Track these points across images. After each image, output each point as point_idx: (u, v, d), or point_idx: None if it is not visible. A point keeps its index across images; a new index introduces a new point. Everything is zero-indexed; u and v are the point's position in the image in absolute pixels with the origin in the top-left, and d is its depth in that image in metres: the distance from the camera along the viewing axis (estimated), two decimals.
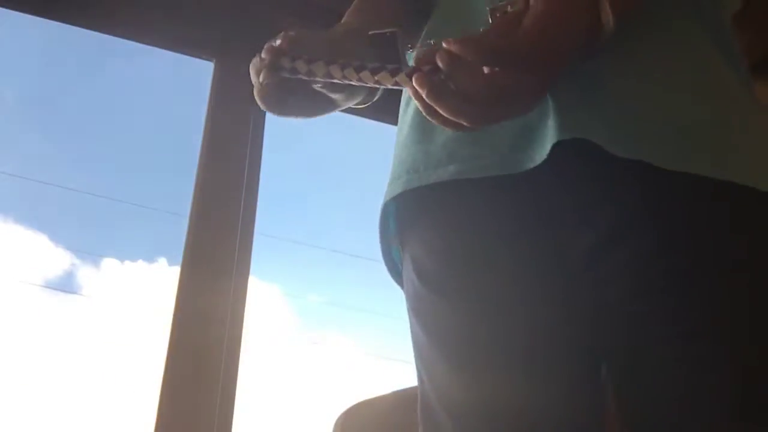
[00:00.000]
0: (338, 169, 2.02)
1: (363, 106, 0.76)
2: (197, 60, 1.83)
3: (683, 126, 0.59)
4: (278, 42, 0.71)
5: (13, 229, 1.64)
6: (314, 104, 0.73)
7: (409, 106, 0.76)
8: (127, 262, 1.74)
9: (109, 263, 1.74)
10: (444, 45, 0.55)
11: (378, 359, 1.87)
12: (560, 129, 0.59)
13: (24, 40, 1.85)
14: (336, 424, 1.13)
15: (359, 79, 0.61)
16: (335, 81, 0.63)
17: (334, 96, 0.70)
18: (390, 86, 0.60)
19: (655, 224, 0.59)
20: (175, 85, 2.01)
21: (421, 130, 0.70)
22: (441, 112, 0.55)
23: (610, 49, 0.60)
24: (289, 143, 1.99)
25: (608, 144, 0.57)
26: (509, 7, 0.60)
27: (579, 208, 0.62)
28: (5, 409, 1.46)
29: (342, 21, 0.84)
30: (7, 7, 1.68)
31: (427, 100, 0.55)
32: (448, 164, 0.65)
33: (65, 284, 1.74)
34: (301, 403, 1.71)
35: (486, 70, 0.54)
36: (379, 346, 1.85)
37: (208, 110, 1.74)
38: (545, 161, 0.59)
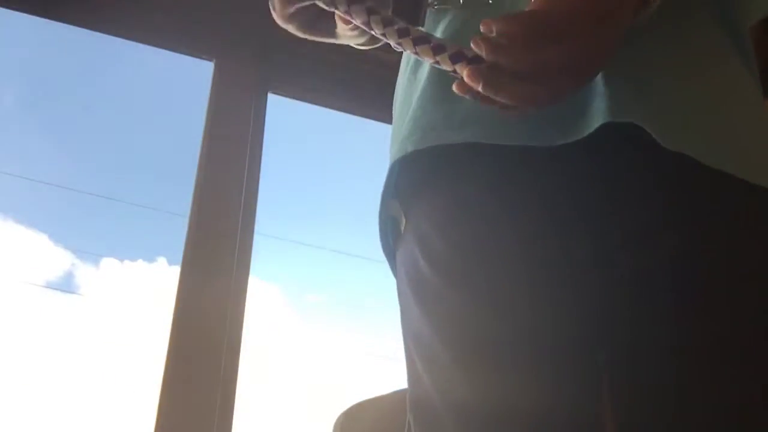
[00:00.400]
0: (338, 169, 2.02)
1: (364, 47, 0.74)
2: (197, 60, 1.83)
3: (729, 128, 0.59)
4: None
5: (13, 229, 1.64)
6: (327, 29, 0.70)
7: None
8: (126, 262, 1.74)
9: (108, 263, 1.74)
10: (482, 28, 0.51)
11: (378, 359, 1.87)
12: (610, 111, 0.56)
13: (24, 40, 1.85)
14: (336, 424, 1.13)
15: (398, 41, 0.56)
16: (366, 29, 0.58)
17: (348, 33, 0.69)
18: (425, 58, 0.55)
19: (687, 226, 0.57)
20: (175, 85, 2.01)
21: (443, 87, 0.65)
22: (503, 101, 0.52)
23: (655, 45, 0.59)
24: (289, 143, 1.99)
25: (659, 133, 0.55)
26: None
27: (609, 200, 0.60)
28: (5, 409, 1.47)
29: None
30: (7, 7, 1.68)
31: (484, 93, 0.51)
32: (473, 125, 0.61)
33: (65, 284, 1.74)
34: (301, 403, 1.72)
35: (539, 45, 0.50)
36: (380, 346, 1.85)
37: (208, 110, 1.74)
38: (576, 143, 0.57)
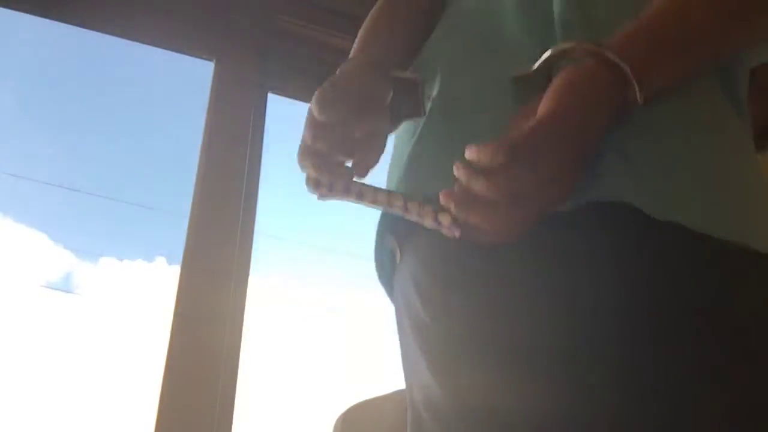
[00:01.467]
0: None
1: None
2: (197, 60, 1.83)
3: (722, 193, 0.58)
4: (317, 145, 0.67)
5: (11, 228, 1.64)
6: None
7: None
8: (126, 261, 1.74)
9: (107, 262, 1.74)
10: (466, 153, 0.55)
11: (378, 359, 1.87)
12: (597, 188, 0.57)
13: (24, 40, 1.85)
14: (336, 424, 1.13)
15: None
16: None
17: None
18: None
19: (675, 291, 0.56)
20: (175, 85, 2.01)
21: (437, 141, 0.69)
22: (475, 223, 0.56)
23: (645, 116, 0.60)
24: (289, 143, 1.99)
25: (647, 207, 0.56)
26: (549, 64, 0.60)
27: (591, 264, 0.59)
28: (4, 409, 1.47)
29: (358, 47, 0.83)
30: (7, 7, 1.68)
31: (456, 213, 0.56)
32: None
33: (64, 283, 1.74)
34: (301, 403, 1.71)
35: (512, 173, 0.54)
36: (380, 346, 1.85)
37: (208, 110, 1.74)
38: (564, 213, 0.58)
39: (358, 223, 1.95)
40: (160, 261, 1.72)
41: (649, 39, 0.60)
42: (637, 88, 0.57)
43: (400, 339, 0.71)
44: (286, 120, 1.93)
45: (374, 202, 0.64)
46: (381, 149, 0.70)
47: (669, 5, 0.62)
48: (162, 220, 1.84)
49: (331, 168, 0.66)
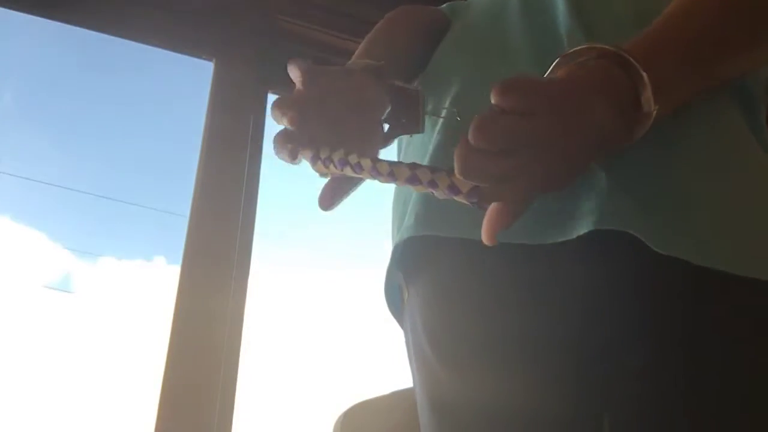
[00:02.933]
0: None
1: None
2: (197, 60, 1.83)
3: (731, 227, 0.57)
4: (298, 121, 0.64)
5: (10, 228, 1.64)
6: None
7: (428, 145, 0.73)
8: (124, 261, 1.74)
9: (106, 262, 1.74)
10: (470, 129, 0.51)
11: (378, 359, 1.87)
12: (599, 216, 0.56)
13: (24, 40, 1.85)
14: (336, 424, 1.13)
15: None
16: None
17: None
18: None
19: (657, 338, 0.56)
20: (175, 85, 2.01)
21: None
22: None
23: (654, 137, 0.58)
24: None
25: (650, 239, 0.54)
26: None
27: (588, 309, 0.58)
28: (3, 409, 1.46)
29: (361, 51, 0.81)
30: (7, 7, 1.68)
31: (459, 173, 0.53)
32: (466, 223, 0.61)
33: (63, 283, 1.74)
34: (301, 403, 1.71)
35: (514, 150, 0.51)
36: (380, 347, 1.85)
37: (208, 110, 1.74)
38: (568, 244, 0.57)
39: (358, 224, 1.95)
40: (159, 260, 1.72)
41: (663, 44, 0.58)
42: (651, 91, 0.55)
43: (412, 371, 0.72)
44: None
45: (375, 175, 0.58)
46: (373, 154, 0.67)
47: (680, 10, 0.61)
48: (161, 220, 1.84)
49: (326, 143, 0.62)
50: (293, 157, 0.62)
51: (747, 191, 0.60)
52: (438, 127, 0.71)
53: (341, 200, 0.66)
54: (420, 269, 0.69)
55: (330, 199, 0.65)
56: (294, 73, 0.66)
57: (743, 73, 0.65)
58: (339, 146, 0.60)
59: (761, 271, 0.55)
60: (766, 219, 0.59)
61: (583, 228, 0.56)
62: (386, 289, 0.76)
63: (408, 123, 0.69)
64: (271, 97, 1.82)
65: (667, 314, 0.56)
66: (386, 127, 0.69)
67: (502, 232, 0.56)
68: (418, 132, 0.69)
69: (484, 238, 0.54)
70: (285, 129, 0.64)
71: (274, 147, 0.64)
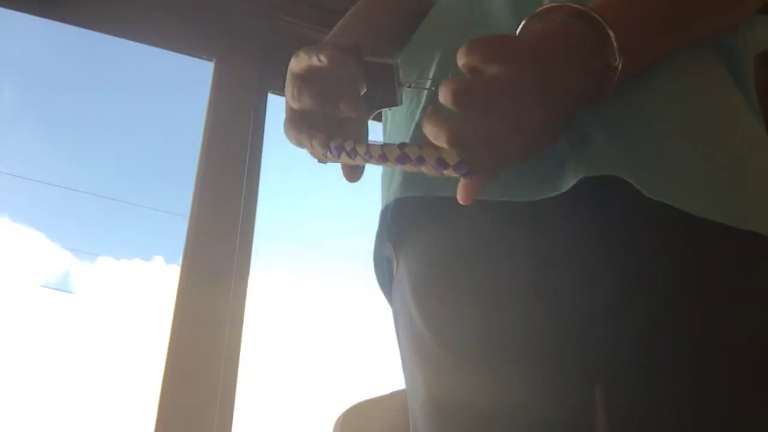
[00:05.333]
0: (339, 169, 2.01)
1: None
2: (197, 60, 1.83)
3: (718, 175, 0.57)
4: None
5: (9, 227, 1.64)
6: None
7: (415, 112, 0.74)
8: (123, 261, 1.74)
9: (105, 261, 1.74)
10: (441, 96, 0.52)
11: (378, 359, 1.87)
12: (588, 165, 0.56)
13: (24, 40, 1.85)
14: (336, 424, 1.13)
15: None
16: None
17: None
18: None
19: (670, 277, 0.55)
20: (175, 85, 2.01)
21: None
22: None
23: (640, 86, 0.59)
24: (289, 143, 1.99)
25: (640, 183, 0.55)
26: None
27: (586, 266, 0.58)
28: (2, 409, 1.46)
29: (342, 25, 0.82)
30: (7, 7, 1.68)
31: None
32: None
33: (61, 282, 1.74)
34: (301, 403, 1.71)
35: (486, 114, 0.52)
36: (380, 346, 1.85)
37: (208, 110, 1.74)
38: (561, 199, 0.57)
39: (358, 223, 1.95)
40: (158, 260, 1.72)
41: (631, 3, 0.59)
42: (617, 49, 0.56)
43: (399, 345, 0.71)
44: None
45: (369, 158, 0.60)
46: (360, 137, 0.68)
47: None
48: (159, 219, 1.84)
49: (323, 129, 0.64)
50: (301, 145, 0.65)
51: (738, 144, 0.61)
52: (423, 102, 0.72)
53: (362, 170, 0.68)
54: (408, 234, 0.69)
55: (354, 173, 0.67)
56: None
57: (714, 33, 0.66)
58: (325, 125, 0.63)
59: (754, 222, 0.56)
60: (759, 173, 0.60)
61: (572, 179, 0.57)
62: (375, 260, 0.75)
63: (385, 96, 0.69)
64: (271, 97, 1.82)
65: (667, 267, 0.56)
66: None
67: (494, 190, 0.58)
68: (396, 105, 0.70)
69: (462, 198, 0.55)
70: (288, 112, 0.66)
71: (285, 130, 0.67)
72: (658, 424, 0.52)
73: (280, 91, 2.19)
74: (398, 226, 0.71)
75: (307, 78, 0.65)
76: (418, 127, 0.70)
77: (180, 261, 1.56)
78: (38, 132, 1.81)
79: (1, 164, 1.69)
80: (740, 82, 0.67)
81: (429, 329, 0.64)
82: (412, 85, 0.71)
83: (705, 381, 0.52)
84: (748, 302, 0.55)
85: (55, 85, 1.90)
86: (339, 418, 1.14)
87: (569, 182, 0.57)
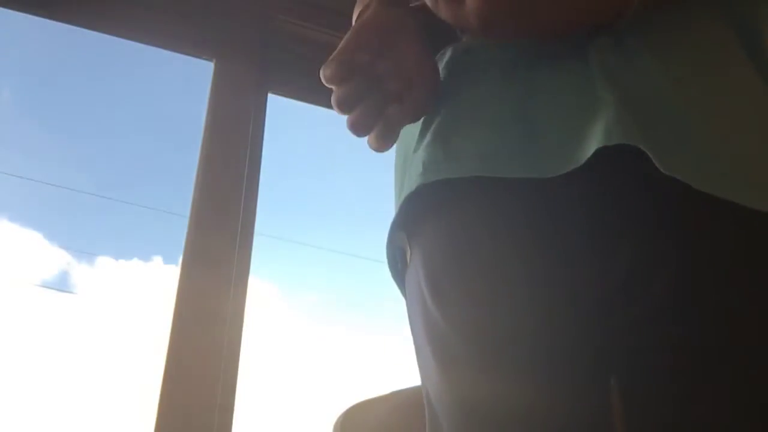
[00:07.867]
0: (338, 169, 2.02)
1: None
2: (197, 60, 1.83)
3: (740, 155, 0.56)
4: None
5: (7, 227, 1.64)
6: None
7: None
8: (122, 261, 1.74)
9: (103, 261, 1.74)
10: None
11: (378, 359, 1.86)
12: (606, 135, 0.55)
13: (24, 39, 1.85)
14: (336, 424, 1.13)
15: None
16: None
17: None
18: None
19: (684, 258, 0.54)
20: (175, 85, 2.01)
21: (443, 126, 0.68)
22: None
23: (659, 64, 0.59)
24: (289, 143, 1.99)
25: (658, 156, 0.53)
26: None
27: (607, 238, 0.57)
28: (1, 409, 1.46)
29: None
30: (7, 7, 1.68)
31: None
32: (472, 160, 0.62)
33: (60, 282, 1.74)
34: (301, 403, 1.71)
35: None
36: (380, 346, 1.85)
37: (208, 110, 1.74)
38: (580, 174, 0.56)
39: (359, 223, 1.95)
40: (157, 260, 1.72)
41: None
42: None
43: (413, 335, 0.71)
44: (286, 120, 1.93)
45: None
46: (435, 78, 0.70)
47: None
48: (158, 219, 1.84)
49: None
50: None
51: (756, 122, 0.59)
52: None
53: (392, 138, 0.71)
54: (423, 223, 0.68)
55: (383, 141, 0.69)
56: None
57: None
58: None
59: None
60: None
61: (591, 148, 0.56)
62: (388, 251, 0.74)
63: (443, 36, 0.72)
64: (271, 97, 1.82)
65: (685, 247, 0.55)
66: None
67: (514, 169, 0.59)
68: (456, 39, 0.71)
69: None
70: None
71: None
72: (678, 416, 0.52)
73: (280, 91, 2.18)
74: (412, 215, 0.70)
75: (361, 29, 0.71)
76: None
77: (179, 261, 1.56)
78: (37, 132, 1.81)
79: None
80: (755, 54, 0.65)
81: (444, 319, 0.63)
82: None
83: (729, 365, 0.51)
84: None
85: (54, 85, 1.90)
86: (339, 418, 1.13)
87: (588, 153, 0.56)
